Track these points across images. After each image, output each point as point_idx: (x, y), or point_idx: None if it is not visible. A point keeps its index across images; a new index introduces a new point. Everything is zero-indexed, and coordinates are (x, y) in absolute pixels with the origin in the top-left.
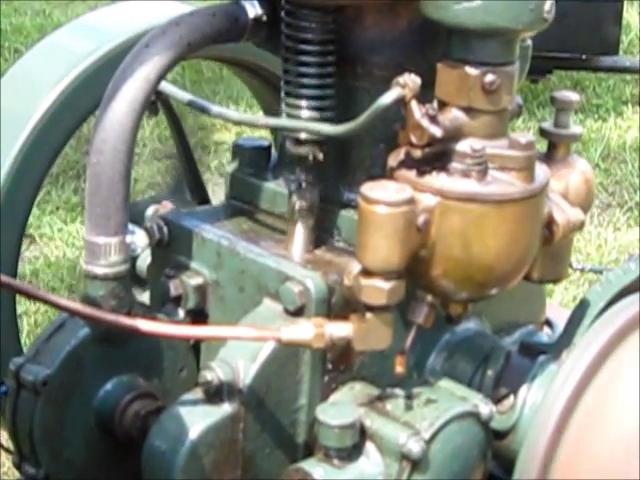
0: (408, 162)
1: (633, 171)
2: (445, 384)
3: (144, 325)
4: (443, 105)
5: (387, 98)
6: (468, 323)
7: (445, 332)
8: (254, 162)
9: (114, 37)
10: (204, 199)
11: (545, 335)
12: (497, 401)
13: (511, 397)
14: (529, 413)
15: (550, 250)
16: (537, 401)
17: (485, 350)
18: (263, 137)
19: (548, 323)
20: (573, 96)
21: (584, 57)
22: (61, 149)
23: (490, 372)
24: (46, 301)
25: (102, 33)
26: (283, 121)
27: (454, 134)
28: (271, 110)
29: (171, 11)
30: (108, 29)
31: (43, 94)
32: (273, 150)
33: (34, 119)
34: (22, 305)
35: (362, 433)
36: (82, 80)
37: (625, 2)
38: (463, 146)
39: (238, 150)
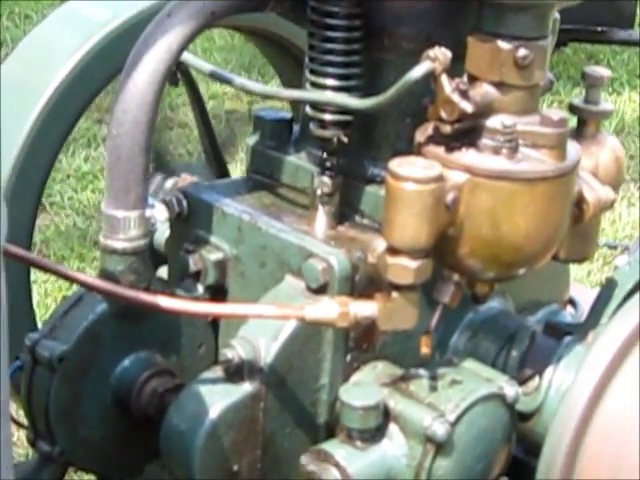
0: (437, 138)
1: None
2: (470, 365)
3: (165, 302)
4: (473, 80)
5: (417, 72)
6: (492, 302)
7: (469, 311)
8: (276, 135)
9: (132, 5)
10: (223, 171)
11: (569, 314)
12: (522, 382)
13: (536, 378)
14: (554, 395)
15: (578, 229)
16: (563, 383)
17: (510, 330)
18: (273, 107)
19: (572, 302)
20: (604, 72)
21: (599, 30)
22: (77, 120)
23: (515, 352)
24: (65, 276)
25: (120, 1)
26: (308, 94)
27: (485, 110)
28: (289, 80)
29: None
30: None
31: (59, 64)
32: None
33: (50, 89)
34: (32, 274)
35: (385, 414)
36: (99, 49)
37: None
38: (494, 122)
39: (259, 122)
